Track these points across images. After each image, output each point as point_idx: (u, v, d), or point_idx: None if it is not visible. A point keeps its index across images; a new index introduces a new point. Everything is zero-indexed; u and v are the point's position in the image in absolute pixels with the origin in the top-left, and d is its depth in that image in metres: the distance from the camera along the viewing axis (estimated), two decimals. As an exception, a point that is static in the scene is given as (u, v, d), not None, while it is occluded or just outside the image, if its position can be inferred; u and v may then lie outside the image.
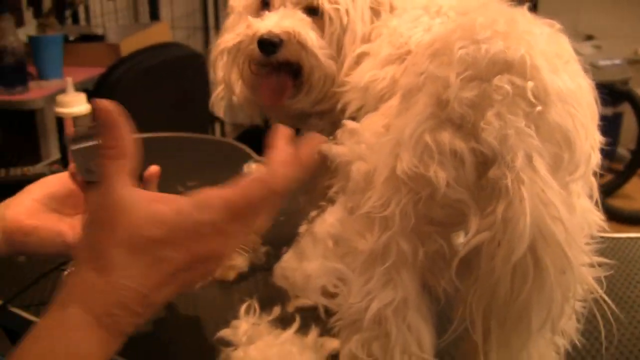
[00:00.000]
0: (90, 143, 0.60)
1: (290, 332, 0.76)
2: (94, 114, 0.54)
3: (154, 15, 3.36)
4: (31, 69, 2.22)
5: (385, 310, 0.60)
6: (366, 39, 0.78)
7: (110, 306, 0.50)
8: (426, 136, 0.57)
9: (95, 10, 3.16)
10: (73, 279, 0.52)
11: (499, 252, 0.54)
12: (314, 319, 0.75)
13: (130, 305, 0.50)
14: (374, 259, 0.60)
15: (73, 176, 0.73)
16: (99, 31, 2.81)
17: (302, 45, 0.74)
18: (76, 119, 1.27)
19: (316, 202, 0.70)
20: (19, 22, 2.43)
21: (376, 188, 0.60)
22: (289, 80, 0.78)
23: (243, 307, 0.81)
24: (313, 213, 0.66)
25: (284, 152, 0.55)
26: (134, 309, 0.50)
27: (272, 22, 0.75)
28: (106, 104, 0.53)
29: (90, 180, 0.58)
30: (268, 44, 0.74)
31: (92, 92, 2.06)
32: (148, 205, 0.51)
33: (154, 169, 0.72)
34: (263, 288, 0.90)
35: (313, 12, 0.78)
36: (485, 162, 0.56)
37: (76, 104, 1.27)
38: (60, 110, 1.27)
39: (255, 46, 0.76)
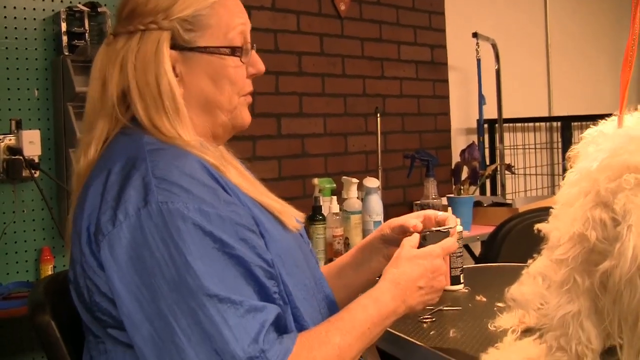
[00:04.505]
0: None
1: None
2: None
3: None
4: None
5: (566, 317, 1.00)
6: None
7: (397, 278, 1.06)
8: (587, 212, 0.99)
9: (509, 187, 3.82)
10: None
11: (616, 272, 0.92)
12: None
13: (404, 284, 1.06)
14: (561, 285, 1.02)
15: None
16: (509, 201, 3.43)
17: None
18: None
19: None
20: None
21: (563, 244, 1.02)
22: None
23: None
24: (530, 260, 1.10)
25: None
26: (406, 286, 1.06)
27: None
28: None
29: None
30: None
31: (486, 241, 2.65)
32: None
33: None
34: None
35: None
36: (616, 223, 0.95)
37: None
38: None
39: None
